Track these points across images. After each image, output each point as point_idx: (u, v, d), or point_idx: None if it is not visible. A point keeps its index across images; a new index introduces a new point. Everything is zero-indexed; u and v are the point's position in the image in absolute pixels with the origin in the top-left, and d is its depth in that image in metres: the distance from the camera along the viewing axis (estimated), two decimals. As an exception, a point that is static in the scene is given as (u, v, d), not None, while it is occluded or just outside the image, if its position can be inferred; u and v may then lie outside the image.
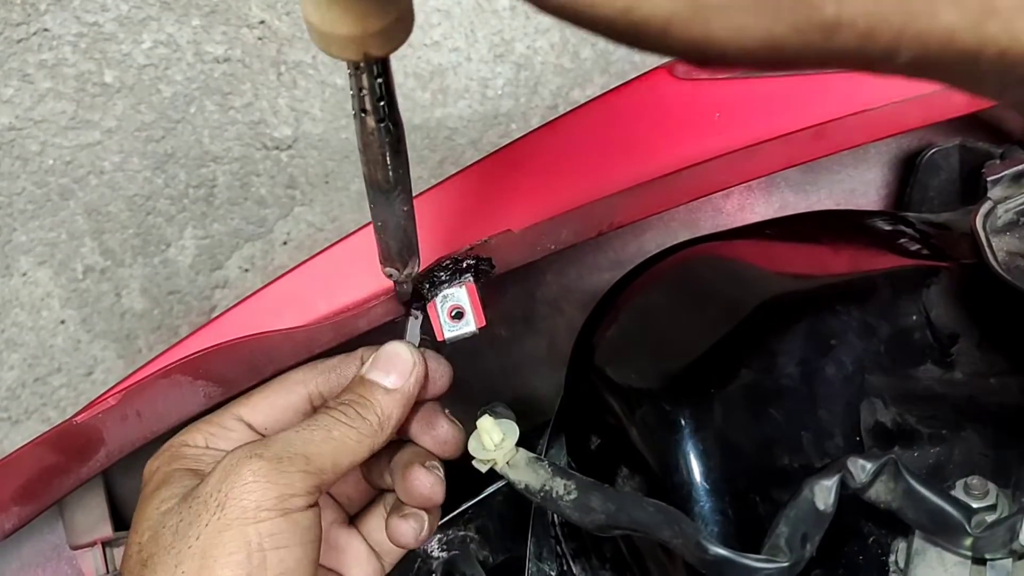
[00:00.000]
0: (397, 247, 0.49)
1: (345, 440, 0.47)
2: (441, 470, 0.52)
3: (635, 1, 0.22)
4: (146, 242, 1.25)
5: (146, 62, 1.21)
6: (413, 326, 0.57)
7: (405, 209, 0.46)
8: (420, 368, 0.52)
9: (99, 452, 0.58)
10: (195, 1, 1.20)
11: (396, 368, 0.51)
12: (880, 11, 0.22)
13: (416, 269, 0.52)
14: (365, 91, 0.37)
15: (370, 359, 0.52)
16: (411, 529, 0.51)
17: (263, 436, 0.51)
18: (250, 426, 0.51)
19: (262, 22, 1.22)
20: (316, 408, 0.53)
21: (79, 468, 0.59)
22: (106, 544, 0.70)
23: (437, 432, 0.54)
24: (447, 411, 0.55)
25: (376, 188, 0.44)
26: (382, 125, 0.39)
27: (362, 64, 0.35)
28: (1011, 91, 0.25)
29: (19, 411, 1.25)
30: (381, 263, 0.51)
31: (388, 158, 0.41)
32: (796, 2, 0.22)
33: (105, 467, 0.60)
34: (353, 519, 0.57)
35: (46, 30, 1.19)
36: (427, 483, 0.51)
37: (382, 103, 0.37)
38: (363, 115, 0.38)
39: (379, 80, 0.36)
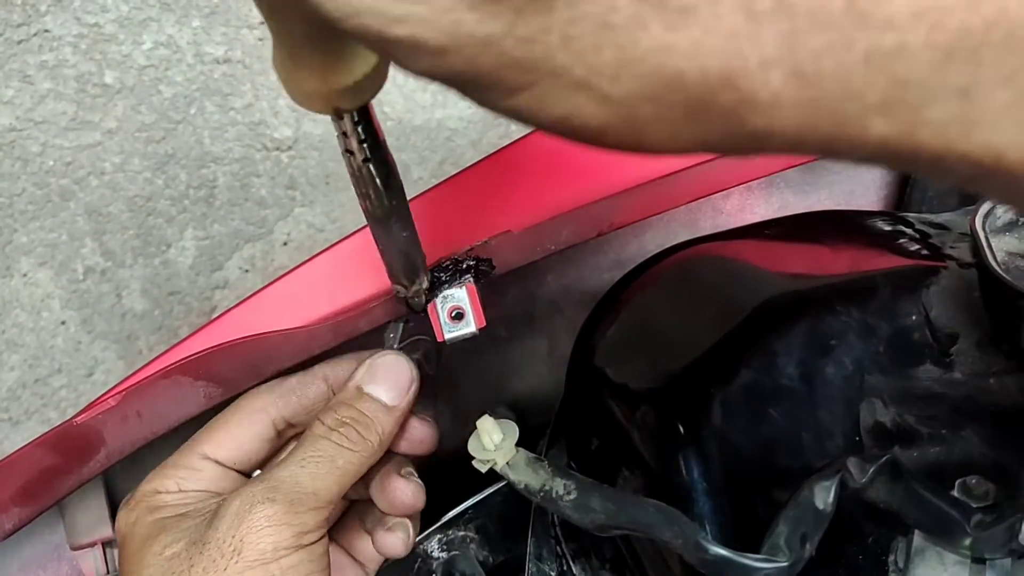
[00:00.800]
0: (402, 268, 0.50)
1: (348, 467, 0.47)
2: (416, 475, 0.52)
3: (571, 113, 0.24)
4: (146, 243, 1.25)
5: (146, 63, 1.21)
6: (394, 331, 0.57)
7: (405, 235, 0.47)
8: (417, 383, 0.51)
9: (99, 453, 0.58)
10: (195, 2, 1.20)
11: (396, 383, 0.51)
12: (808, 123, 0.22)
13: (425, 285, 0.53)
14: (348, 134, 0.37)
15: (364, 368, 0.51)
16: (399, 540, 0.51)
17: (234, 471, 0.50)
18: (218, 462, 0.50)
19: (262, 23, 1.22)
20: (281, 433, 0.52)
21: (79, 469, 0.59)
22: (106, 544, 0.70)
23: (411, 434, 0.53)
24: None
25: (372, 218, 0.44)
26: (368, 164, 0.39)
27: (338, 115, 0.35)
28: (966, 185, 0.25)
29: (19, 412, 1.25)
30: (390, 279, 0.52)
31: (380, 192, 0.41)
32: (724, 116, 0.23)
33: (105, 468, 0.60)
34: (331, 532, 0.56)
35: (47, 31, 1.19)
36: (408, 492, 0.51)
37: (365, 144, 0.38)
38: (349, 155, 0.39)
39: (359, 126, 0.37)
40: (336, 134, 0.38)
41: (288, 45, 0.29)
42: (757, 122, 0.23)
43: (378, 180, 0.40)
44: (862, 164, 0.25)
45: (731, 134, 0.23)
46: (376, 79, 0.31)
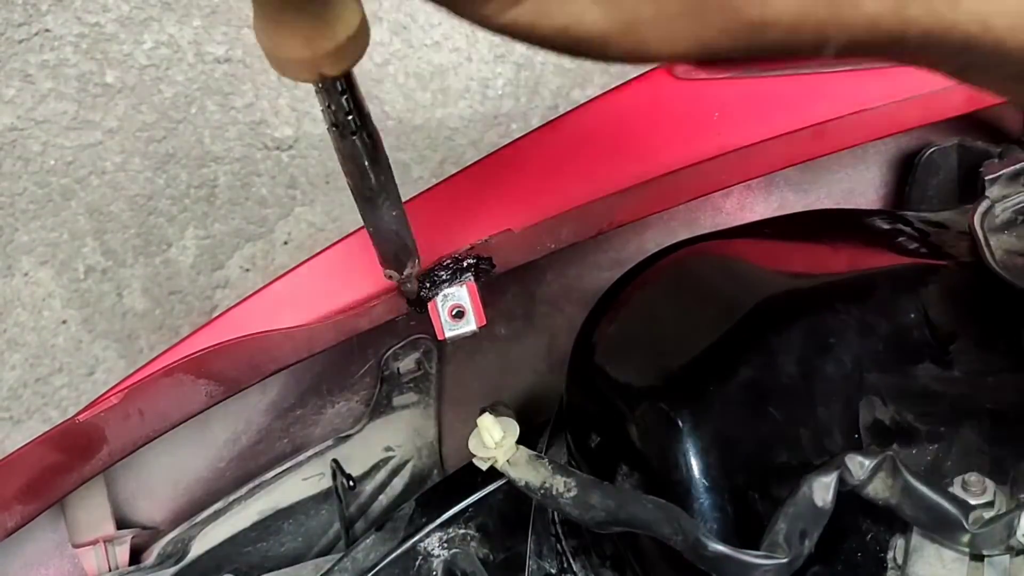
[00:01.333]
0: (392, 250, 0.50)
1: None
2: None
3: (572, 21, 0.24)
4: (147, 242, 1.25)
5: (147, 62, 1.21)
6: None
7: (394, 214, 0.46)
8: None
9: (101, 451, 0.59)
10: (196, 2, 1.20)
11: None
12: (804, 7, 0.24)
13: (416, 269, 0.53)
14: (333, 106, 0.37)
15: None
16: None
17: None
18: None
19: (263, 22, 1.22)
20: None
21: (81, 467, 0.59)
22: (108, 542, 0.70)
23: None
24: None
25: (360, 197, 0.44)
26: (354, 138, 0.39)
27: (323, 83, 0.35)
28: (953, 67, 0.26)
29: (20, 411, 1.26)
30: (381, 266, 0.52)
31: (367, 168, 0.41)
32: (721, 8, 0.24)
33: (108, 466, 0.60)
34: None
35: (48, 31, 1.19)
36: None
37: (350, 117, 0.38)
38: (335, 130, 0.39)
39: (344, 96, 0.37)
40: (321, 108, 0.38)
41: (269, 11, 0.29)
42: (753, 12, 0.24)
43: (365, 155, 0.40)
44: (852, 56, 0.26)
45: (728, 29, 0.24)
46: (359, 41, 0.31)
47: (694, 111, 0.68)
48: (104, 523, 0.70)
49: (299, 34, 0.30)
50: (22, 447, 0.55)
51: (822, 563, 0.48)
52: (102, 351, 1.27)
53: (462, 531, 0.69)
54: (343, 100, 0.37)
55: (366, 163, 0.41)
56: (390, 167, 0.43)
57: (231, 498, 0.73)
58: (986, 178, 0.61)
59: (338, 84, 0.36)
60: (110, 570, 0.70)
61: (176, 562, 0.71)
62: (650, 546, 0.53)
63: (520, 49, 1.29)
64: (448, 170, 1.27)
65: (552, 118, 0.69)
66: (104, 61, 1.20)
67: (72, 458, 0.58)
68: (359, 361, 0.74)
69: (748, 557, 0.43)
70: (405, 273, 0.52)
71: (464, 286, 0.59)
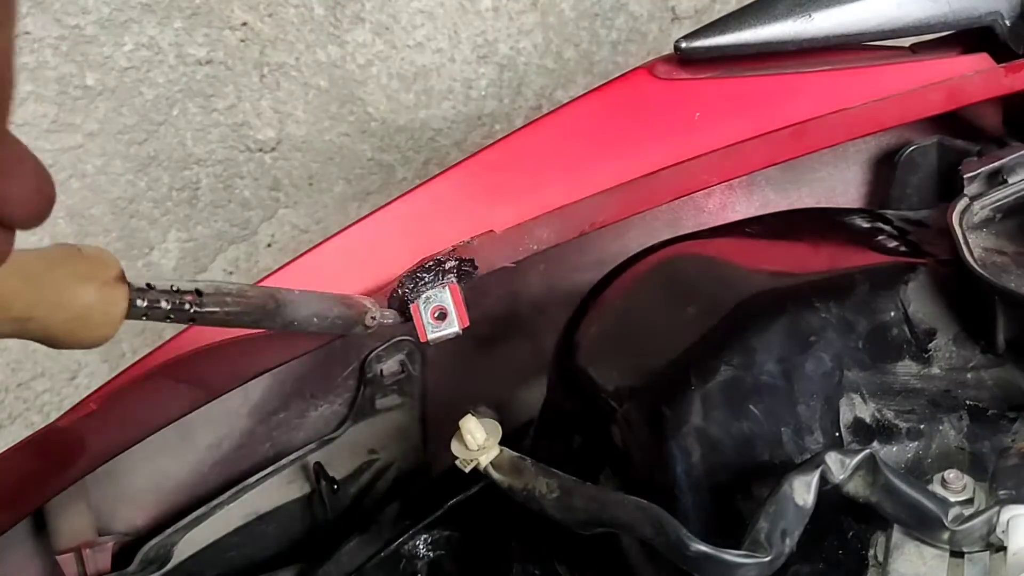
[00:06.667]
0: (343, 321, 0.54)
1: None
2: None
3: None
4: (129, 245, 1.24)
5: (128, 65, 1.20)
6: None
7: (306, 311, 0.51)
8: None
9: (81, 457, 0.58)
10: (177, 3, 1.19)
11: None
12: None
13: (375, 312, 0.56)
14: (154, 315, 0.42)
15: None
16: None
17: None
18: None
19: (244, 24, 1.22)
20: None
21: (61, 473, 0.59)
22: (89, 549, 0.70)
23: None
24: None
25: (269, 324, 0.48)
26: (201, 311, 0.43)
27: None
28: None
29: (2, 416, 1.24)
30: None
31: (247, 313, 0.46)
32: None
33: (87, 472, 0.60)
34: None
35: (27, 33, 1.18)
36: None
37: (173, 315, 0.42)
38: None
39: (155, 304, 0.41)
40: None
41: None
42: None
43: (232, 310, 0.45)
44: None
45: None
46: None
47: (675, 111, 0.68)
48: (85, 530, 0.69)
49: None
50: (-1, 454, 0.55)
51: (804, 561, 0.48)
52: (84, 355, 1.26)
53: (447, 533, 0.69)
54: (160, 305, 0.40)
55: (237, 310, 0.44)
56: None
57: (213, 503, 0.72)
58: (965, 176, 0.62)
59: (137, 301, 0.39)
60: (92, 577, 0.70)
61: (158, 568, 0.71)
62: (633, 547, 0.53)
63: (503, 50, 1.29)
64: (432, 171, 1.27)
65: (535, 118, 0.69)
66: (84, 63, 1.19)
67: (51, 465, 0.58)
68: (342, 364, 0.74)
69: (730, 556, 0.43)
70: (369, 322, 0.55)
71: (446, 288, 0.59)
